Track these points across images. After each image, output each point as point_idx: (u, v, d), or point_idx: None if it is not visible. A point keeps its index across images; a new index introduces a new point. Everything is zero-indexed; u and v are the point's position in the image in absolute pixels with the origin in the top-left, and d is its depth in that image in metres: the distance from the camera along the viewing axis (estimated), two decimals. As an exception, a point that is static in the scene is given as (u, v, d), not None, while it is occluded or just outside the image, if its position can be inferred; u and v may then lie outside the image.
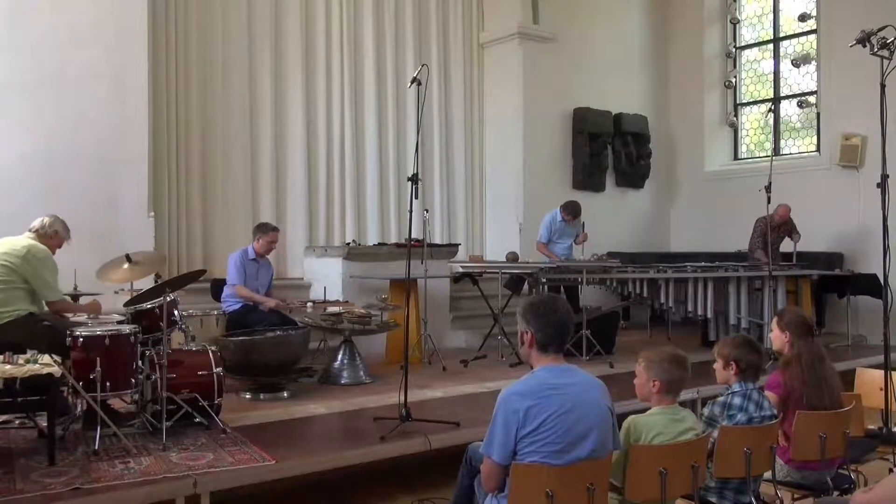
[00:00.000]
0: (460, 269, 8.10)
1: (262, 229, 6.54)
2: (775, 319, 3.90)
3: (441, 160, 10.07)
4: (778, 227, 8.37)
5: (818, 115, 10.15)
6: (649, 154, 11.21)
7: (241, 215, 8.48)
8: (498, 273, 7.72)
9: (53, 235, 4.82)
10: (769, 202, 6.67)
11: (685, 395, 5.58)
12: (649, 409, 3.13)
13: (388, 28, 9.62)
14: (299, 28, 8.89)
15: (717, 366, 3.46)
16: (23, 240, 4.67)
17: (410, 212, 4.88)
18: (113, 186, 6.88)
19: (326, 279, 7.68)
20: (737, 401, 3.31)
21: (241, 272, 6.31)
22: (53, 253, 4.82)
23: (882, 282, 4.39)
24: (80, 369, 4.18)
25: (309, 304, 6.66)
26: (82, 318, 4.80)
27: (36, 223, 4.80)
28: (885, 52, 4.26)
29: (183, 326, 5.07)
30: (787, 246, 8.78)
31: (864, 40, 4.28)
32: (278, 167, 8.79)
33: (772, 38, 10.91)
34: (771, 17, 10.93)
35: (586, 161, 10.51)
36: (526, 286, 7.88)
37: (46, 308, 4.70)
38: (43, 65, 6.59)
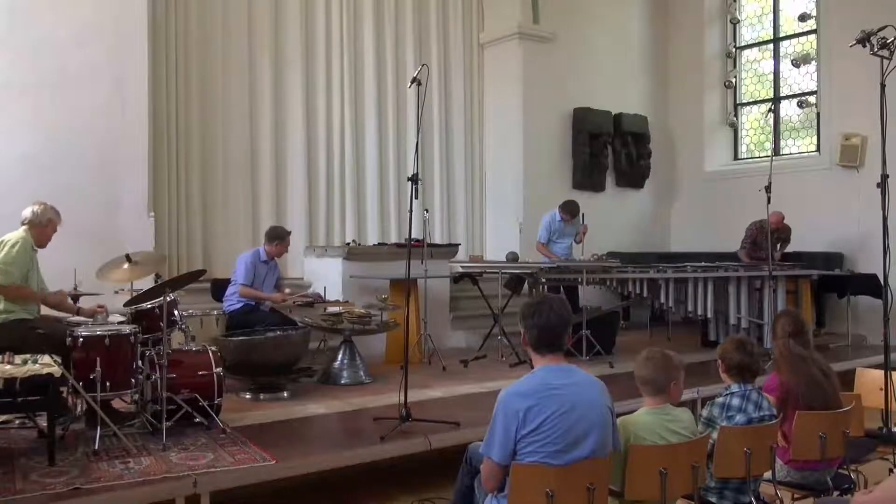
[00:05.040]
0: (460, 269, 8.10)
1: (278, 234, 6.52)
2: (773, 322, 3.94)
3: (441, 160, 10.07)
4: (769, 233, 8.38)
5: (818, 115, 10.15)
6: (649, 154, 11.21)
7: (241, 215, 8.50)
8: (498, 273, 7.72)
9: (48, 224, 4.76)
10: (769, 202, 6.67)
11: (685, 395, 5.59)
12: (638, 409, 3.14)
13: (388, 28, 9.62)
14: (299, 28, 8.89)
15: None
16: (12, 233, 4.62)
17: (410, 212, 4.88)
18: (113, 186, 6.88)
19: (326, 279, 7.68)
20: (735, 401, 3.31)
21: (251, 273, 6.30)
22: (48, 240, 4.77)
23: (882, 282, 4.39)
24: (80, 369, 4.18)
25: (310, 293, 6.63)
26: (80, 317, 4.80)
27: (27, 213, 4.72)
28: (885, 52, 4.27)
29: (183, 326, 5.07)
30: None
31: (864, 40, 4.28)
32: (278, 167, 8.80)
33: (772, 38, 10.90)
34: (771, 17, 10.93)
35: (586, 161, 10.50)
36: (526, 286, 7.87)
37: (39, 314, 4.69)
38: (43, 65, 6.59)
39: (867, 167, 9.03)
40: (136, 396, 4.57)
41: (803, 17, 10.33)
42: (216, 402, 4.66)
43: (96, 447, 4.02)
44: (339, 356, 6.38)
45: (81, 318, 4.75)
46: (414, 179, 4.67)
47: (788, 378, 3.56)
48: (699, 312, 7.67)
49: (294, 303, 6.54)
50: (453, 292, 8.52)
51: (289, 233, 6.68)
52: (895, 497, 2.23)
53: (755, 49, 11.19)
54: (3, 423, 4.44)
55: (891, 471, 3.79)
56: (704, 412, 3.40)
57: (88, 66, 6.77)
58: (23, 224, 4.72)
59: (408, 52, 9.73)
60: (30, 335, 4.44)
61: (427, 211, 8.21)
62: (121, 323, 4.68)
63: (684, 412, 3.15)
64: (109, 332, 4.31)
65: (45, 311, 4.86)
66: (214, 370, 4.67)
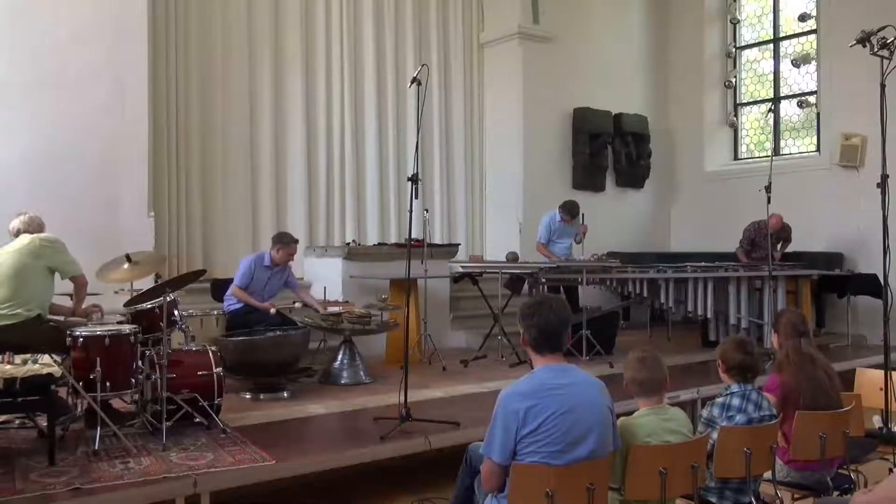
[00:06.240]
0: (460, 269, 8.10)
1: (283, 240, 6.38)
2: (774, 321, 3.93)
3: (441, 160, 10.07)
4: (769, 235, 8.38)
5: (818, 115, 10.15)
6: (649, 154, 11.21)
7: (242, 215, 8.51)
8: (498, 273, 7.72)
9: (40, 228, 4.80)
10: (769, 202, 6.67)
11: (685, 394, 5.60)
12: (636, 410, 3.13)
13: (388, 28, 9.62)
14: (299, 28, 8.90)
15: None
16: (26, 237, 4.65)
17: (410, 212, 4.89)
18: (113, 186, 6.88)
19: (326, 279, 7.68)
20: (735, 401, 3.31)
21: (248, 277, 6.27)
22: None
23: (882, 282, 4.39)
24: (80, 369, 4.18)
25: (297, 304, 6.61)
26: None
27: (18, 225, 4.73)
28: (885, 52, 4.27)
29: (183, 326, 5.06)
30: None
31: (864, 40, 4.29)
32: (278, 167, 8.80)
33: (772, 38, 10.90)
34: (771, 17, 10.93)
35: (586, 161, 10.50)
36: (526, 286, 7.87)
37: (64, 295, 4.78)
38: (43, 65, 6.59)
39: (867, 167, 9.03)
40: (136, 396, 4.56)
41: (803, 17, 10.34)
42: (216, 402, 4.65)
43: (96, 447, 4.02)
44: (339, 356, 6.38)
45: (77, 320, 4.75)
46: (414, 179, 4.67)
47: (792, 379, 3.56)
48: (699, 312, 7.66)
49: (294, 303, 6.55)
50: (453, 292, 8.52)
51: (294, 240, 6.51)
52: (895, 496, 2.23)
53: (755, 49, 11.19)
54: (3, 423, 4.43)
55: (891, 470, 3.79)
56: (704, 412, 3.40)
57: (88, 66, 6.78)
58: (18, 234, 4.70)
59: (408, 52, 9.73)
60: (43, 329, 4.49)
61: (427, 211, 8.21)
62: (121, 323, 4.68)
63: (678, 411, 3.15)
64: (109, 332, 4.30)
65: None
66: (214, 370, 4.67)
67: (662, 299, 7.64)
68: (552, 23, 10.18)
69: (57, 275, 4.71)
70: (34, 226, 4.75)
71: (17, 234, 4.72)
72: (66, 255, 4.68)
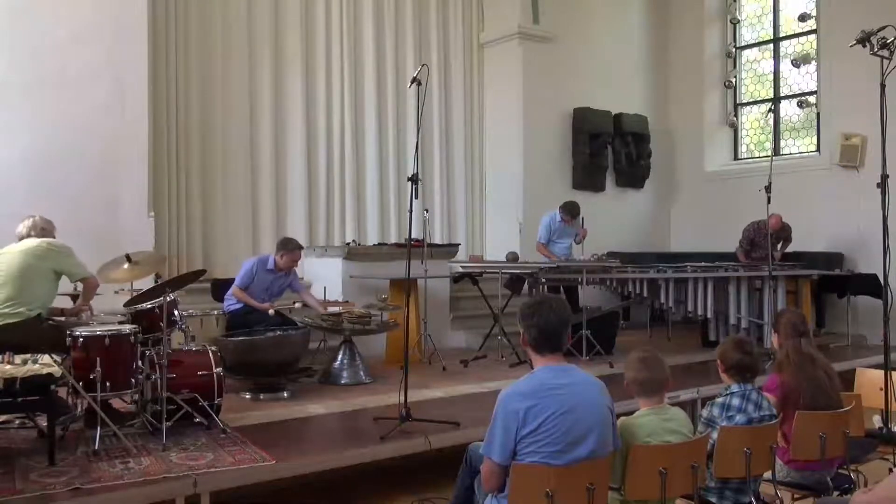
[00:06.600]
0: (460, 269, 8.10)
1: (287, 246, 6.36)
2: (774, 321, 3.93)
3: (441, 160, 10.07)
4: (769, 234, 8.39)
5: (818, 115, 10.15)
6: (649, 154, 11.21)
7: (242, 215, 8.51)
8: (498, 273, 7.72)
9: (51, 229, 4.82)
10: (769, 202, 6.67)
11: (685, 394, 5.60)
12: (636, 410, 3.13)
13: (388, 28, 9.63)
14: (299, 28, 8.90)
15: None
16: (34, 240, 4.65)
17: (410, 212, 4.89)
18: (113, 186, 6.88)
19: (326, 279, 7.68)
20: (735, 401, 3.31)
21: (249, 279, 6.27)
22: None
23: (882, 282, 4.39)
24: (80, 369, 4.18)
25: (297, 304, 6.63)
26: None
27: (23, 230, 4.74)
28: (885, 52, 4.27)
29: (183, 326, 5.07)
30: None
31: (864, 40, 4.29)
32: (278, 167, 8.80)
33: (772, 38, 10.91)
34: (771, 17, 10.93)
35: (586, 161, 10.51)
36: (526, 286, 7.87)
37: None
38: (43, 65, 6.59)
39: (867, 167, 9.03)
40: (136, 396, 4.56)
41: (803, 17, 10.34)
42: (216, 402, 4.65)
43: (96, 447, 4.02)
44: (339, 356, 6.38)
45: (72, 319, 4.74)
46: (414, 179, 4.67)
47: (792, 379, 3.56)
48: (699, 312, 7.65)
49: (294, 303, 6.55)
50: (453, 292, 8.52)
51: (299, 246, 6.48)
52: (895, 496, 2.23)
53: (755, 49, 11.19)
54: (3, 423, 4.43)
55: (891, 470, 3.79)
56: (704, 412, 3.40)
57: (88, 66, 6.78)
58: (24, 238, 4.69)
59: (408, 52, 9.73)
60: (43, 328, 4.50)
61: (427, 211, 8.21)
62: (120, 323, 4.68)
63: (679, 411, 3.15)
64: (109, 332, 4.30)
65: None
66: (214, 370, 4.67)
67: (662, 299, 7.64)
68: (552, 23, 10.18)
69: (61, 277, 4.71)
70: (38, 229, 4.75)
71: (21, 239, 4.72)
72: (73, 259, 4.68)
